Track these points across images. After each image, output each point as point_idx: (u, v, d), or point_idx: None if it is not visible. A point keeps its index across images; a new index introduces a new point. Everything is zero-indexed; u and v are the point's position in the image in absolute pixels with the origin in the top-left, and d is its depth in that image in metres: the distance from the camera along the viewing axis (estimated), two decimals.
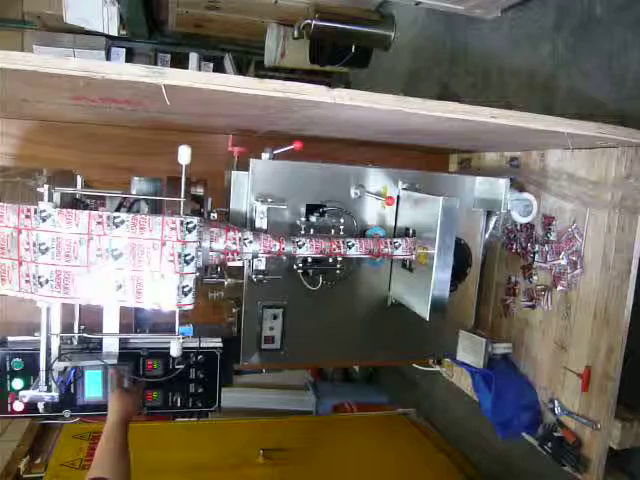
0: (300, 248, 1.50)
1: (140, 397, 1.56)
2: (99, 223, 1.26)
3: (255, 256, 1.48)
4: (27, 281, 1.28)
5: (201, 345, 1.68)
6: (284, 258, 1.59)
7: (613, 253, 1.58)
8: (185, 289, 1.30)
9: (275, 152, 1.65)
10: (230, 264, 1.54)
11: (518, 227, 1.98)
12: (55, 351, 1.41)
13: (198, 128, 2.08)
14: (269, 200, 1.62)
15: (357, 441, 2.76)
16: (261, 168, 1.65)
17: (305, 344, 1.80)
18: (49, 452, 2.54)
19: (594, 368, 1.63)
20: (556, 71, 2.14)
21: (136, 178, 1.47)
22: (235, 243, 1.42)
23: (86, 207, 1.48)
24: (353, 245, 1.56)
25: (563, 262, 1.77)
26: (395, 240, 1.62)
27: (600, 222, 1.63)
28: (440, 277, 1.53)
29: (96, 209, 1.49)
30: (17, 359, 1.58)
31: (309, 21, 3.20)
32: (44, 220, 1.24)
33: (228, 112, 1.58)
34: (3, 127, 1.95)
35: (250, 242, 1.43)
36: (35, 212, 1.24)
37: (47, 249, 1.25)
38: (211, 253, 1.40)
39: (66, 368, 1.49)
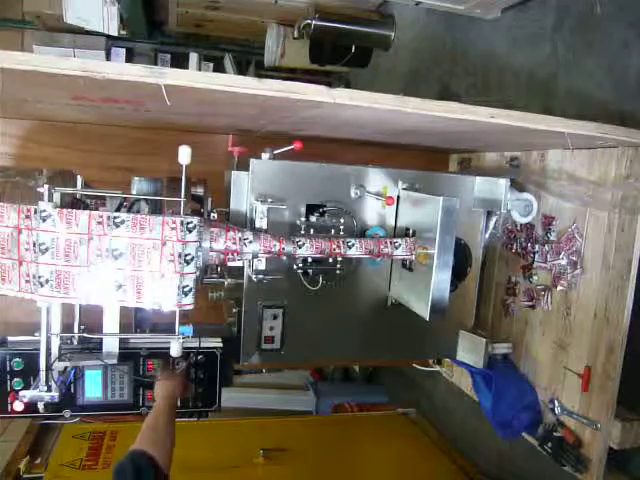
0: (300, 248, 1.50)
1: (184, 379, 1.62)
2: (99, 223, 1.26)
3: (255, 256, 1.48)
4: (27, 281, 1.28)
5: (201, 345, 1.68)
6: (284, 258, 1.59)
7: (613, 253, 1.58)
8: (185, 289, 1.30)
9: (275, 152, 1.65)
10: (230, 264, 1.54)
11: (518, 227, 1.98)
12: (55, 351, 1.41)
13: (198, 128, 2.08)
14: (269, 200, 1.62)
15: (357, 441, 2.76)
16: (261, 168, 1.65)
17: (305, 344, 1.80)
18: (49, 452, 2.54)
19: (594, 368, 1.63)
20: (556, 71, 2.14)
21: (136, 178, 1.47)
22: (235, 243, 1.42)
23: (86, 207, 1.48)
24: (353, 245, 1.56)
25: (563, 262, 1.76)
26: (395, 240, 1.62)
27: (600, 222, 1.63)
28: (440, 277, 1.53)
29: (96, 209, 1.49)
30: (17, 359, 1.58)
31: (309, 21, 3.21)
32: (44, 220, 1.24)
33: (228, 112, 1.58)
34: (3, 127, 1.95)
35: (250, 242, 1.43)
36: (35, 212, 1.24)
37: (47, 249, 1.24)
38: (211, 253, 1.40)
39: (66, 368, 1.49)
